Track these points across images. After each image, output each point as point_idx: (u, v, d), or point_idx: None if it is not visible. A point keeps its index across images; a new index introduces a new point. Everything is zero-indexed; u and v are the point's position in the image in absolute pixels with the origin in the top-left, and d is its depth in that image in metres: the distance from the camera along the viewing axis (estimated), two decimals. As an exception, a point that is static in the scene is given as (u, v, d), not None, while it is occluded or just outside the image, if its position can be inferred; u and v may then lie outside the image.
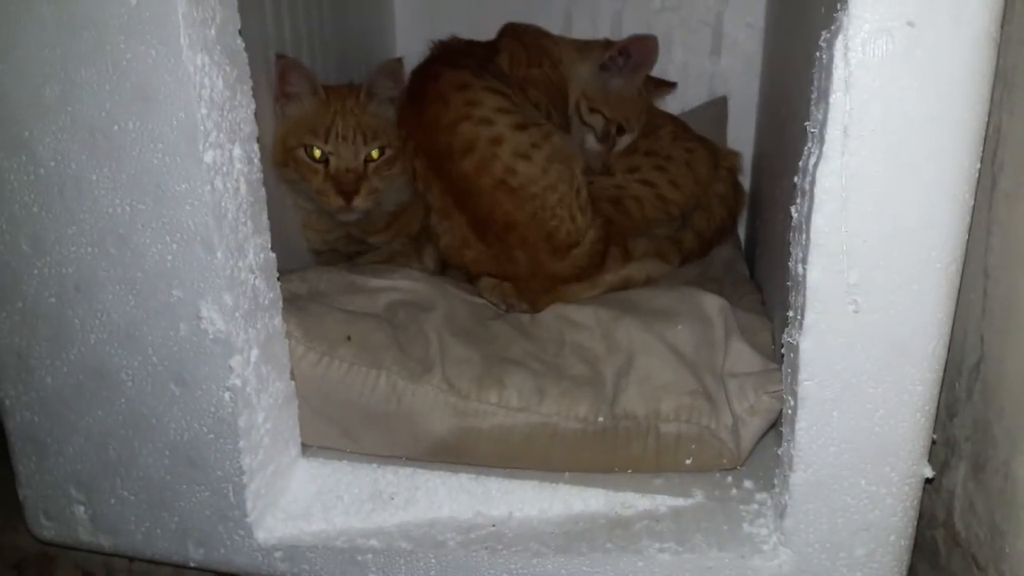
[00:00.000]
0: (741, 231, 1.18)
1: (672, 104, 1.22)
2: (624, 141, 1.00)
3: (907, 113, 0.49)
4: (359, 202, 0.94)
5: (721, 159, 1.08)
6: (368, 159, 0.95)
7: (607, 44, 1.03)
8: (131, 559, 0.77)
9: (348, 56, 1.15)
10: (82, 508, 0.73)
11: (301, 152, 0.93)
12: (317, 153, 0.93)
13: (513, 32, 1.05)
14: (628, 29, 1.23)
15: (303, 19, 1.02)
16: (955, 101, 0.48)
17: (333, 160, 0.94)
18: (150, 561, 0.75)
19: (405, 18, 1.31)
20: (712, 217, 1.05)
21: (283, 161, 0.94)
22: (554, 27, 1.23)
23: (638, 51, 0.99)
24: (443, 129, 0.87)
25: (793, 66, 0.82)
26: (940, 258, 0.51)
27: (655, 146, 1.03)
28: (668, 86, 1.14)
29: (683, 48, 1.24)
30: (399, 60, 1.02)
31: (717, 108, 1.22)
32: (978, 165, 0.50)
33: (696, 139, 1.07)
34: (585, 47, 1.04)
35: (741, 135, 1.21)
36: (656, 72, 1.24)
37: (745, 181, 1.15)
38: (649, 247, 0.99)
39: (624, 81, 1.00)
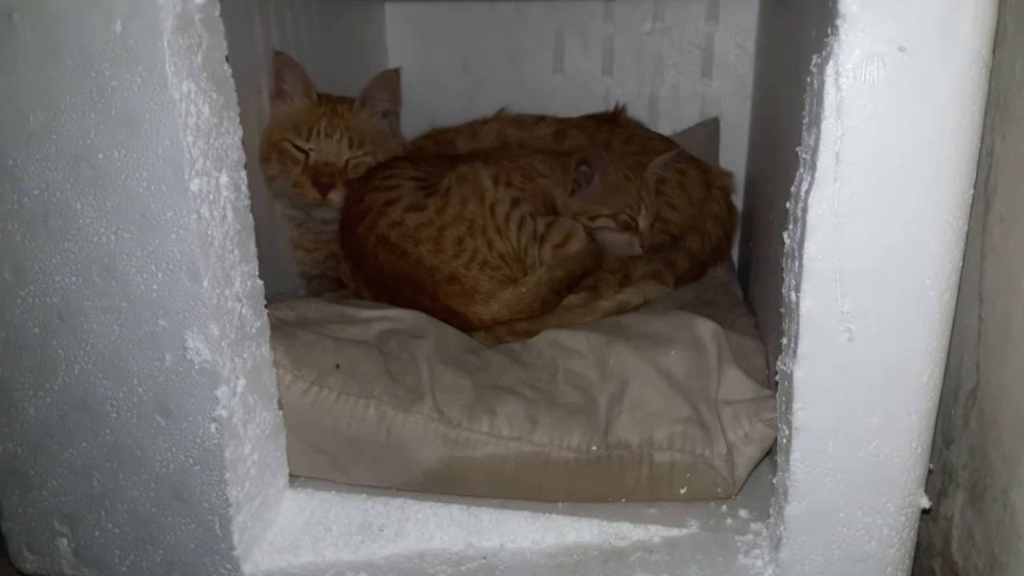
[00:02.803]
0: (735, 252, 1.17)
1: (664, 125, 1.22)
2: (644, 219, 0.97)
3: (899, 139, 0.48)
4: (335, 196, 0.94)
5: (714, 179, 1.08)
6: (350, 159, 0.96)
7: (565, 162, 0.99)
8: (116, 592, 0.76)
9: (339, 70, 1.15)
10: (65, 541, 0.72)
11: (286, 143, 0.93)
12: (299, 148, 0.95)
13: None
14: (620, 51, 1.24)
15: (292, 32, 1.02)
16: (947, 126, 0.48)
17: (313, 154, 0.94)
18: (136, 594, 0.74)
19: (397, 34, 1.32)
20: (707, 238, 1.05)
21: (266, 156, 0.95)
22: (545, 49, 1.24)
23: (592, 160, 0.95)
24: (355, 204, 0.91)
25: (784, 88, 0.82)
26: (934, 285, 0.50)
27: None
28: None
29: (674, 70, 1.24)
30: (396, 71, 1.02)
31: (709, 129, 1.22)
32: (971, 191, 0.49)
33: (688, 160, 1.07)
34: (551, 168, 1.00)
35: (733, 156, 1.22)
36: (647, 94, 1.25)
37: (738, 201, 1.14)
38: (646, 269, 0.98)
39: (600, 182, 0.96)
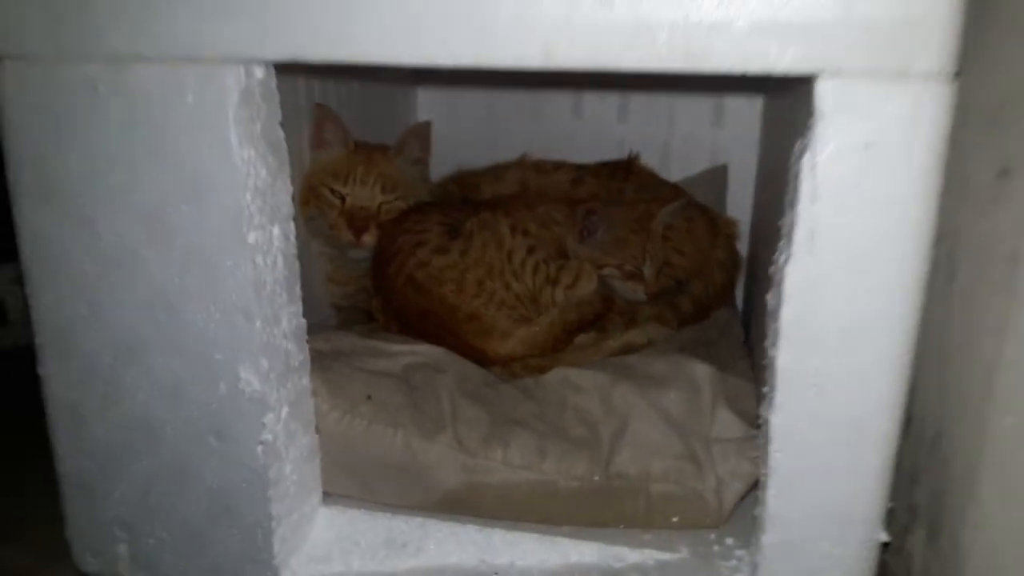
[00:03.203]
0: (740, 293, 1.24)
1: (675, 171, 1.30)
2: (649, 269, 1.05)
3: (866, 222, 0.55)
4: (368, 237, 1.03)
5: (720, 227, 1.15)
6: (383, 204, 1.04)
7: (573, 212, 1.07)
8: (164, 594, 0.84)
9: (373, 119, 1.24)
10: (124, 546, 0.80)
11: (324, 188, 1.02)
12: (336, 192, 1.03)
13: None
14: (635, 102, 1.32)
15: (332, 83, 1.11)
16: (907, 212, 0.55)
17: (349, 199, 1.03)
18: (182, 596, 0.82)
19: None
20: (711, 283, 1.12)
21: (305, 199, 1.03)
22: (565, 96, 1.31)
23: (601, 218, 1.03)
24: (387, 245, 0.99)
25: (788, 139, 0.89)
26: (893, 350, 0.57)
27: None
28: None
29: (687, 117, 1.32)
30: (428, 124, 1.11)
31: (718, 175, 1.30)
32: (927, 268, 0.57)
33: (697, 208, 1.15)
34: (566, 216, 1.07)
35: (741, 201, 1.28)
36: (660, 142, 1.32)
37: (743, 246, 1.21)
38: (651, 311, 1.06)
39: (606, 234, 1.04)
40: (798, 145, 0.58)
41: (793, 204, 0.57)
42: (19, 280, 1.40)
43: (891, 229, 0.55)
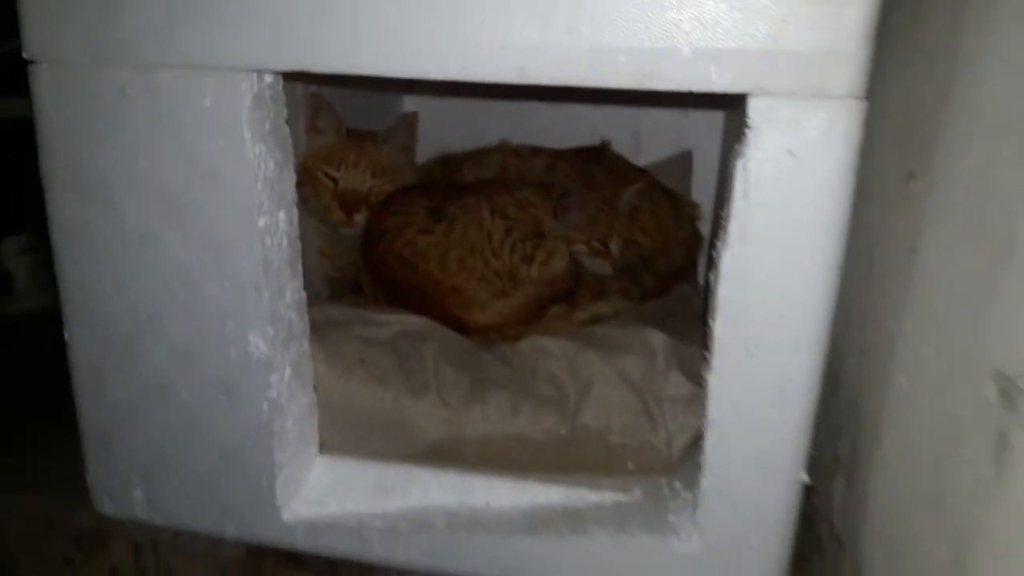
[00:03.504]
0: (703, 271, 1.34)
1: (644, 156, 1.39)
2: (615, 246, 1.14)
3: (788, 218, 0.65)
4: (359, 218, 1.12)
5: (683, 209, 1.25)
6: (373, 187, 1.13)
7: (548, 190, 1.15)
8: (176, 533, 0.93)
9: (362, 106, 1.32)
10: (140, 491, 0.89)
11: (319, 172, 1.11)
12: (330, 176, 1.12)
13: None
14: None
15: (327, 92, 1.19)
16: (824, 211, 0.65)
17: (341, 183, 1.12)
18: (192, 534, 0.92)
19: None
20: (673, 260, 1.23)
21: (301, 181, 1.11)
22: (540, 104, 1.40)
23: (573, 199, 1.12)
24: (376, 225, 1.08)
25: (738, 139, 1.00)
26: (814, 321, 0.68)
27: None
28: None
29: (655, 109, 1.41)
30: (415, 115, 1.20)
31: (683, 161, 1.39)
32: (842, 255, 0.67)
33: (661, 192, 1.25)
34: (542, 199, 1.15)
35: (705, 184, 1.39)
36: (631, 128, 1.42)
37: (706, 227, 1.32)
38: (617, 286, 1.16)
39: (577, 214, 1.13)
40: (734, 151, 0.68)
41: (729, 200, 0.67)
42: (25, 251, 1.48)
43: (810, 223, 0.66)
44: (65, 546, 0.99)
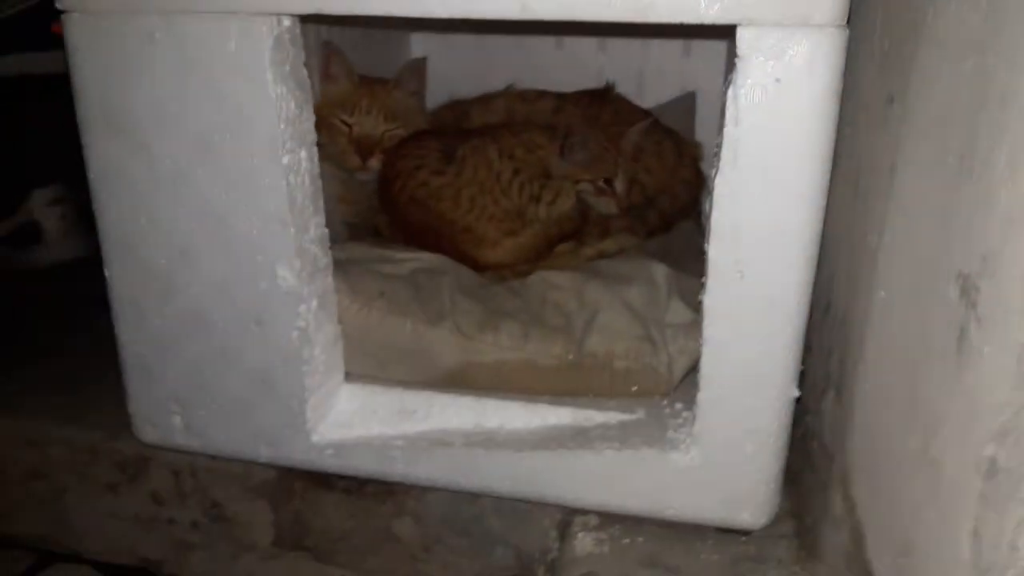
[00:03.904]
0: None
1: (648, 98, 1.43)
2: (620, 184, 1.18)
3: (777, 141, 0.70)
4: (373, 162, 1.17)
5: (685, 150, 1.30)
6: (385, 132, 1.18)
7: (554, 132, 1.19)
8: (212, 457, 1.00)
9: (373, 54, 1.37)
10: (179, 418, 0.96)
11: (333, 118, 1.16)
12: (344, 122, 1.16)
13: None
14: (610, 40, 1.44)
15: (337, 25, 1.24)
16: (810, 134, 0.69)
17: (356, 128, 1.16)
18: (227, 458, 0.99)
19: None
20: (676, 199, 1.27)
21: (316, 128, 1.16)
22: (548, 40, 1.43)
23: (578, 138, 1.15)
24: (389, 168, 1.14)
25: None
26: (801, 241, 0.72)
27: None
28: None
29: (659, 49, 1.45)
30: (423, 60, 1.24)
31: (687, 102, 1.43)
32: (827, 178, 0.72)
33: (664, 132, 1.29)
34: (548, 140, 1.19)
35: (709, 125, 1.42)
36: (635, 70, 1.45)
37: (709, 167, 1.35)
38: (622, 223, 1.21)
39: (583, 153, 1.16)
40: (726, 80, 0.72)
41: (721, 128, 0.72)
42: (54, 202, 1.55)
43: (797, 147, 0.70)
44: (109, 473, 1.07)
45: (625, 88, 1.38)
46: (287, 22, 0.78)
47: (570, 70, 1.46)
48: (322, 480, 0.99)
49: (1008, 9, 0.49)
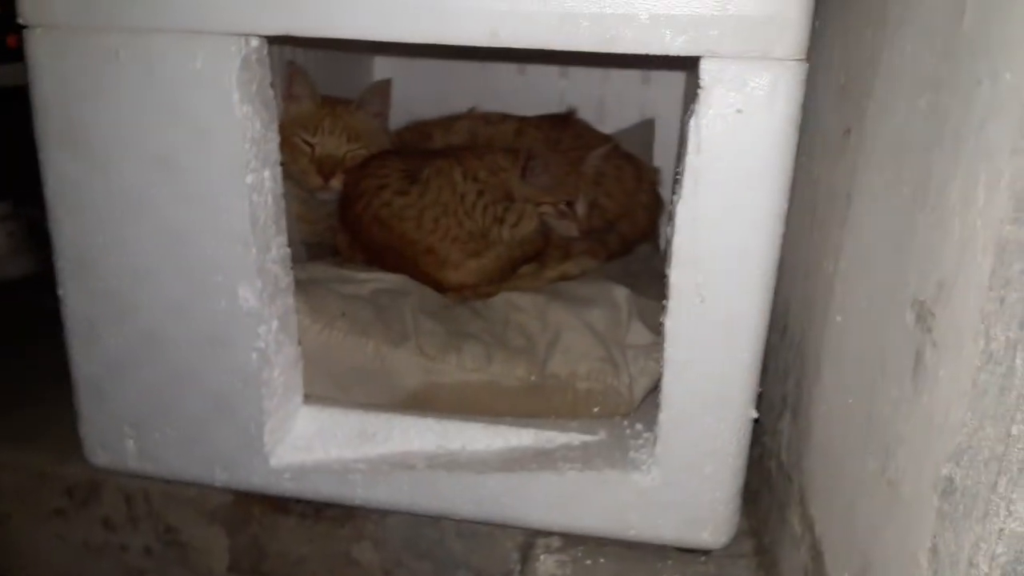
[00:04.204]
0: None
1: (608, 124, 1.45)
2: (581, 207, 1.19)
3: (737, 171, 0.72)
4: (335, 182, 1.17)
5: (644, 174, 1.32)
6: (348, 152, 1.18)
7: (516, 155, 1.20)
8: (167, 482, 0.98)
9: (336, 74, 1.37)
10: (132, 441, 0.93)
11: (296, 138, 1.15)
12: (306, 142, 1.16)
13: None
14: (572, 67, 1.46)
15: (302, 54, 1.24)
16: (768, 164, 0.72)
17: (318, 148, 1.16)
18: (183, 483, 0.97)
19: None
20: (636, 222, 1.30)
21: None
22: (509, 73, 1.45)
23: (540, 161, 1.17)
24: (352, 188, 1.13)
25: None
26: (760, 267, 0.74)
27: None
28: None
29: (619, 77, 1.47)
30: (388, 81, 1.25)
31: (646, 129, 1.46)
32: (785, 206, 0.74)
33: (624, 158, 1.31)
34: (511, 163, 1.20)
35: (668, 151, 1.45)
36: (596, 97, 1.47)
37: (667, 192, 1.38)
38: (583, 246, 1.22)
39: (544, 176, 1.17)
40: (688, 110, 0.74)
41: (683, 155, 0.73)
42: (4, 218, 1.50)
43: (756, 175, 0.72)
44: (57, 498, 1.03)
45: (586, 114, 1.40)
46: (255, 42, 0.77)
47: (532, 95, 1.48)
48: (280, 504, 0.97)
49: (962, 50, 0.51)
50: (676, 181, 0.76)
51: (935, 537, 0.47)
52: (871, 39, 0.70)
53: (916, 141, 0.57)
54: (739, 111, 0.71)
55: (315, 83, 1.17)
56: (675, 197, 0.76)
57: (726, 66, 0.69)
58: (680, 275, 0.76)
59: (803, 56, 0.69)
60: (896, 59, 0.63)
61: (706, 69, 0.69)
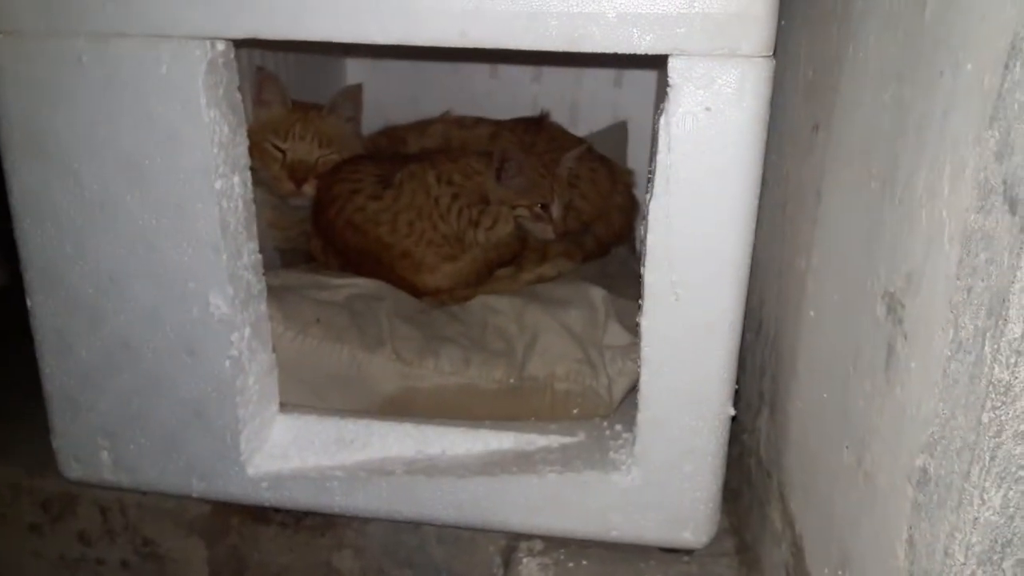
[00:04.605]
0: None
1: (581, 127, 1.46)
2: (556, 208, 1.19)
3: (707, 167, 0.72)
4: (307, 188, 1.16)
5: (619, 176, 1.32)
6: (320, 157, 1.17)
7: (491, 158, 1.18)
8: (143, 493, 0.97)
9: (307, 79, 1.36)
10: (106, 453, 0.92)
11: (266, 144, 1.14)
12: (278, 147, 1.15)
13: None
14: (545, 69, 1.46)
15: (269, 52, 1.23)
16: (739, 158, 0.71)
17: (289, 153, 1.15)
18: (159, 494, 0.95)
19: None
20: (611, 224, 1.30)
21: (248, 153, 1.15)
22: (482, 65, 1.45)
23: (512, 158, 1.16)
24: (325, 193, 1.13)
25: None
26: (733, 264, 0.74)
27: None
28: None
29: (592, 80, 1.47)
30: (359, 86, 1.24)
31: (619, 131, 1.46)
32: (756, 202, 0.74)
33: (599, 160, 1.31)
34: (485, 166, 1.19)
35: (640, 153, 1.45)
36: (569, 99, 1.48)
37: (642, 194, 1.38)
38: (559, 248, 1.22)
39: (519, 178, 1.17)
40: (657, 108, 0.74)
41: (654, 154, 0.73)
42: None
43: (726, 172, 0.72)
44: (32, 512, 1.02)
45: (559, 117, 1.40)
46: (221, 46, 0.77)
47: (504, 99, 1.48)
48: (258, 514, 0.96)
49: (924, 42, 0.52)
50: (649, 181, 0.76)
51: (911, 528, 0.47)
52: (836, 34, 0.70)
53: (883, 134, 0.57)
54: (708, 109, 0.71)
55: (286, 88, 1.17)
56: (648, 196, 0.76)
57: (694, 64, 0.69)
58: (654, 274, 0.76)
59: (770, 52, 0.69)
60: (860, 53, 0.63)
61: (674, 67, 0.69)
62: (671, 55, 0.69)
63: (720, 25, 0.67)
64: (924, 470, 0.46)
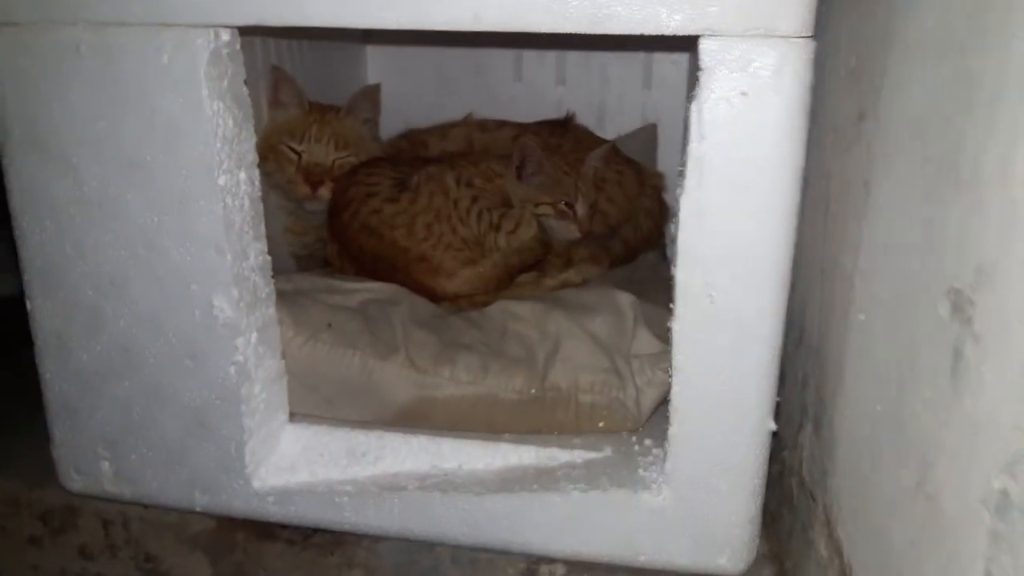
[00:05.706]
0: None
1: (608, 130, 1.40)
2: (581, 207, 1.13)
3: (743, 158, 0.66)
4: (323, 191, 1.12)
5: (647, 179, 1.26)
6: (336, 160, 1.13)
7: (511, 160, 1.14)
8: (145, 506, 0.92)
9: (326, 81, 1.32)
10: (107, 464, 0.88)
11: (282, 146, 1.10)
12: (293, 150, 1.11)
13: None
14: (571, 66, 1.41)
15: (286, 48, 1.19)
16: (777, 147, 0.66)
17: (305, 156, 1.11)
18: (162, 507, 0.91)
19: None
20: (639, 228, 1.24)
21: (264, 155, 1.11)
22: (506, 61, 1.41)
23: (531, 155, 1.11)
24: (340, 196, 1.08)
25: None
26: (772, 264, 0.68)
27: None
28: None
29: (619, 82, 1.42)
30: (377, 86, 1.20)
31: (648, 133, 1.40)
32: (798, 196, 0.68)
33: (625, 161, 1.25)
34: (507, 169, 1.14)
35: (671, 156, 1.39)
36: (596, 102, 1.42)
37: (672, 198, 1.33)
38: (585, 253, 1.17)
39: (540, 174, 1.12)
40: (690, 94, 0.69)
41: (686, 145, 0.68)
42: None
43: (765, 164, 0.66)
44: (32, 525, 0.98)
45: (585, 120, 1.35)
46: (225, 35, 0.73)
47: (529, 102, 1.44)
48: (265, 530, 0.91)
49: (993, 7, 0.46)
50: (680, 175, 0.70)
51: (988, 561, 0.41)
52: (882, 11, 0.64)
53: (942, 114, 0.51)
54: (744, 93, 0.65)
55: (302, 89, 1.13)
56: (679, 191, 0.70)
57: (727, 45, 0.63)
58: (687, 273, 0.70)
59: (810, 33, 0.63)
60: (913, 27, 0.57)
61: (706, 49, 0.64)
62: (702, 36, 0.64)
63: (756, 2, 0.62)
64: (1005, 493, 0.39)
